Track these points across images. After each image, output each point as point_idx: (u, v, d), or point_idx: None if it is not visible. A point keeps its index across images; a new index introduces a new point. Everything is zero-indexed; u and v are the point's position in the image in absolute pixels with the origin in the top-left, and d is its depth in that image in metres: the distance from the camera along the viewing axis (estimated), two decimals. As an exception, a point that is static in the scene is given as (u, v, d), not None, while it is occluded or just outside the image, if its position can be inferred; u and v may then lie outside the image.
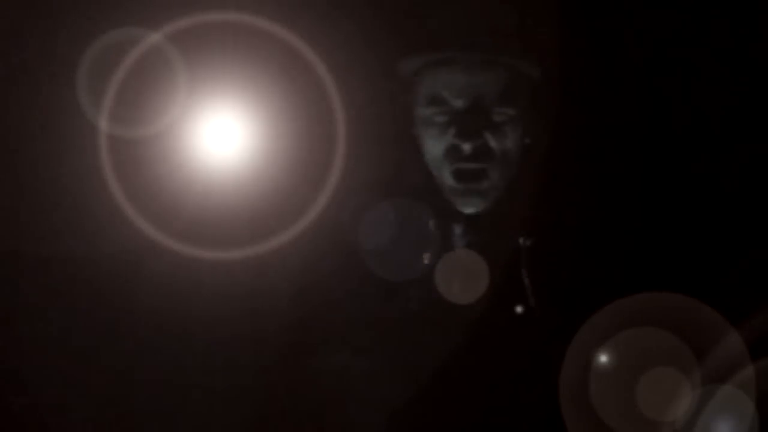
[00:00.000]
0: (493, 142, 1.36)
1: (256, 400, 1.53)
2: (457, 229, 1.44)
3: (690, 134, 1.58)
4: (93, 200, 1.53)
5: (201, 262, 1.50)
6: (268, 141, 1.51)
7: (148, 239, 1.51)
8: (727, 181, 1.57)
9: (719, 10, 1.56)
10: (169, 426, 1.53)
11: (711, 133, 1.58)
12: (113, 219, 1.52)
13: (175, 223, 1.51)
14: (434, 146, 1.39)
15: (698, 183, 1.57)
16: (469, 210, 1.43)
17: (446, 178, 1.40)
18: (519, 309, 1.47)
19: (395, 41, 1.42)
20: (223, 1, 1.50)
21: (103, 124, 1.52)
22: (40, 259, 1.56)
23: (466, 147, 1.34)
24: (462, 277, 1.46)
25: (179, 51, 1.51)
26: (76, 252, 1.55)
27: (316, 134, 1.50)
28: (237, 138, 1.52)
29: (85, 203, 1.55)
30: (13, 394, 1.56)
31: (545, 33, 1.38)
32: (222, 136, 1.52)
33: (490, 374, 1.47)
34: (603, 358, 1.39)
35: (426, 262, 1.44)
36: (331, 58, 1.49)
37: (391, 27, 1.43)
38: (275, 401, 1.52)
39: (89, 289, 1.56)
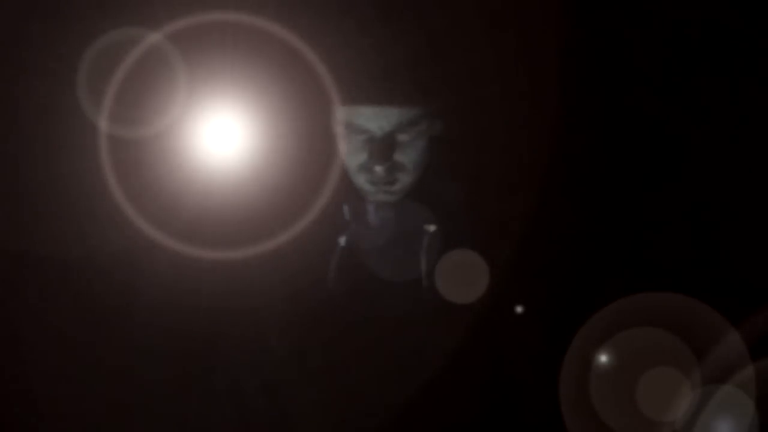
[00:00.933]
0: (402, 158, 1.45)
1: (256, 399, 1.53)
2: (371, 209, 1.51)
3: (690, 132, 1.58)
4: (93, 200, 1.53)
5: (201, 262, 1.50)
6: (268, 141, 1.51)
7: (148, 239, 1.51)
8: (726, 181, 1.57)
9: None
10: (169, 426, 1.53)
11: (711, 132, 1.58)
12: (113, 219, 1.52)
13: (175, 223, 1.51)
14: (350, 159, 1.47)
15: (699, 182, 1.57)
16: (380, 200, 1.50)
17: (360, 182, 1.48)
18: (519, 309, 1.47)
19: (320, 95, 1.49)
20: (223, 1, 1.51)
21: (103, 124, 1.52)
22: (40, 259, 1.56)
23: (378, 169, 1.44)
24: (462, 277, 1.46)
25: (179, 51, 1.51)
26: (76, 252, 1.55)
27: (316, 134, 1.50)
28: (237, 138, 1.52)
29: (85, 203, 1.55)
30: (13, 395, 1.56)
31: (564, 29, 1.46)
32: (222, 136, 1.52)
33: (489, 374, 1.47)
34: (603, 358, 1.39)
35: (427, 258, 1.47)
36: (331, 57, 1.49)
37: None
38: (275, 401, 1.52)
39: (89, 289, 1.56)
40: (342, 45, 1.45)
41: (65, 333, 1.56)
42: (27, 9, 1.58)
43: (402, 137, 1.44)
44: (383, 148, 1.43)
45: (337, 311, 1.49)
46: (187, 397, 1.53)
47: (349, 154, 1.47)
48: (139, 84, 1.52)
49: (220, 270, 1.50)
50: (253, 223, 1.50)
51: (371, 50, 1.44)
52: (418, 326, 1.48)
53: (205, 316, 1.52)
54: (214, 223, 1.50)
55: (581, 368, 1.39)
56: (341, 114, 1.46)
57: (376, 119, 1.43)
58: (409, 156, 1.45)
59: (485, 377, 1.48)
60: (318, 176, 1.50)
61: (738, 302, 1.40)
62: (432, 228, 1.50)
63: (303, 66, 1.48)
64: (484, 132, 1.50)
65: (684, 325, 1.37)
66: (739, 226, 1.55)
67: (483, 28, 1.50)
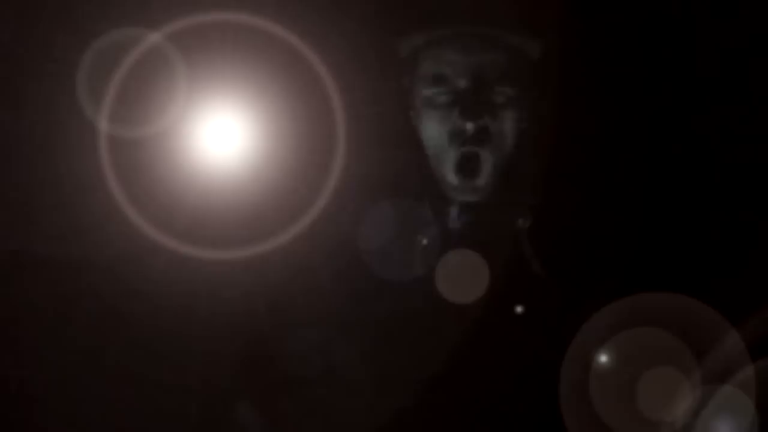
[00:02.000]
0: (491, 125, 1.34)
1: (257, 399, 1.53)
2: (453, 212, 1.44)
3: (695, 130, 1.58)
4: (93, 200, 1.53)
5: (201, 262, 1.50)
6: (268, 141, 1.51)
7: (147, 239, 1.51)
8: (728, 180, 1.57)
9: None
10: (168, 426, 1.53)
11: (716, 130, 1.58)
12: (113, 219, 1.52)
13: (175, 224, 1.51)
14: (436, 129, 1.36)
15: (700, 182, 1.57)
16: (464, 200, 1.42)
17: (447, 171, 1.39)
18: (519, 309, 1.47)
19: (394, 20, 1.39)
20: (223, 1, 1.51)
21: (103, 124, 1.52)
22: (40, 259, 1.56)
23: (470, 127, 1.32)
24: (462, 277, 1.46)
25: (179, 51, 1.51)
26: (76, 252, 1.55)
27: (316, 134, 1.50)
28: (237, 138, 1.52)
29: (85, 203, 1.55)
30: (13, 394, 1.56)
31: (546, 11, 1.37)
32: (222, 136, 1.52)
33: (490, 374, 1.47)
34: (603, 358, 1.39)
35: (425, 258, 1.45)
36: (332, 57, 1.49)
37: (389, 5, 1.40)
38: (275, 401, 1.52)
39: (89, 289, 1.56)
40: None
41: (65, 333, 1.56)
42: (27, 9, 1.58)
43: (494, 98, 1.30)
44: (475, 101, 1.29)
45: (342, 310, 1.49)
46: (187, 396, 1.53)
47: (435, 124, 1.34)
48: (139, 84, 1.52)
49: (220, 270, 1.50)
50: (253, 223, 1.50)
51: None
52: (419, 326, 1.48)
53: (204, 316, 1.52)
54: (213, 224, 1.50)
55: (581, 368, 1.39)
56: (423, 70, 1.33)
57: (466, 68, 1.29)
58: (498, 124, 1.31)
59: (485, 377, 1.48)
60: (318, 176, 1.50)
61: (738, 302, 1.40)
62: (527, 223, 1.39)
63: (303, 66, 1.48)
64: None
65: (684, 325, 1.37)
66: (739, 226, 1.55)
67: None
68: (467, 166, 1.36)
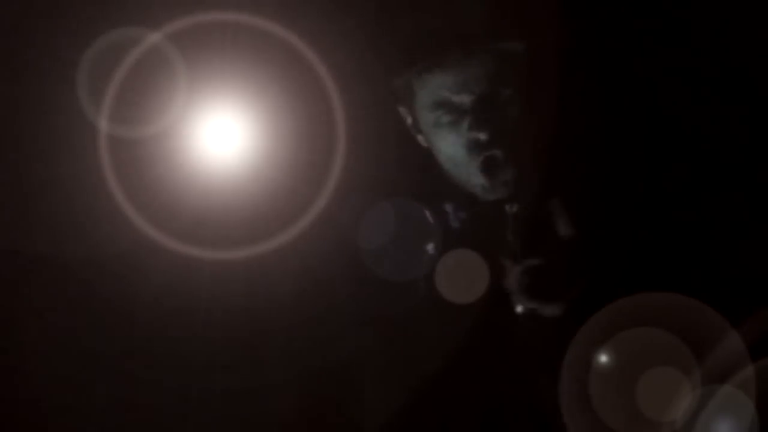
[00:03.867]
0: (501, 127, 1.38)
1: (256, 400, 1.53)
2: (449, 209, 1.46)
3: (693, 130, 1.58)
4: (93, 200, 1.53)
5: (201, 262, 1.50)
6: (268, 141, 1.51)
7: (147, 239, 1.51)
8: (726, 180, 1.56)
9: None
10: (168, 426, 1.53)
11: (715, 130, 1.58)
12: (113, 219, 1.52)
13: (175, 223, 1.51)
14: (451, 147, 1.41)
15: (699, 182, 1.57)
16: (496, 198, 1.44)
17: (473, 176, 1.41)
18: (519, 309, 1.47)
19: (382, 59, 1.45)
20: (223, 1, 1.50)
21: (103, 124, 1.52)
22: (40, 259, 1.56)
23: (483, 136, 1.37)
24: (462, 277, 1.46)
25: (179, 51, 1.51)
26: (76, 252, 1.55)
27: (316, 134, 1.50)
28: (237, 138, 1.52)
29: (85, 203, 1.55)
30: (13, 394, 1.56)
31: (523, 14, 1.41)
32: (222, 136, 1.52)
33: (490, 374, 1.47)
34: (603, 358, 1.39)
35: (428, 258, 1.46)
36: (332, 57, 1.49)
37: (376, 44, 1.46)
38: (275, 401, 1.52)
39: (89, 289, 1.56)
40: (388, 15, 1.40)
41: (65, 333, 1.56)
42: (27, 9, 1.58)
43: (496, 102, 1.37)
44: (480, 111, 1.35)
45: (342, 310, 1.49)
46: (187, 397, 1.53)
47: (448, 142, 1.40)
48: (139, 84, 1.52)
49: (220, 270, 1.50)
50: (253, 223, 1.50)
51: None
52: (420, 325, 1.48)
53: (205, 316, 1.52)
54: (214, 224, 1.50)
55: (581, 368, 1.39)
56: (423, 99, 1.39)
57: (462, 85, 1.35)
58: (506, 122, 1.37)
59: (485, 377, 1.47)
60: (318, 176, 1.50)
61: (738, 302, 1.40)
62: (515, 209, 1.43)
63: (303, 66, 1.48)
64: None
65: (684, 325, 1.37)
66: (739, 226, 1.54)
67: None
68: (493, 167, 1.39)
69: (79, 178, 1.54)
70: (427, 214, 1.48)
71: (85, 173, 1.53)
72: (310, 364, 1.50)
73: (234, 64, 1.51)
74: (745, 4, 1.58)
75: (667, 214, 1.55)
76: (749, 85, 1.58)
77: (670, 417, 1.36)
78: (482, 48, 1.37)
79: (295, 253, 1.49)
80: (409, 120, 1.46)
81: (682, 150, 1.59)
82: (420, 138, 1.46)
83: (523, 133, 1.41)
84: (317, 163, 1.49)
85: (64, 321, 1.56)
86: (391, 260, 1.48)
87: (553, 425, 1.40)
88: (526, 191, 1.45)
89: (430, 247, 1.48)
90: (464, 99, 1.37)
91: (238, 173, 1.51)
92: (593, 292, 1.44)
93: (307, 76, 1.49)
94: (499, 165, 1.39)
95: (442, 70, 1.37)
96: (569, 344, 1.40)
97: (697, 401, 1.35)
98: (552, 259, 1.45)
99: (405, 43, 1.41)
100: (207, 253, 1.50)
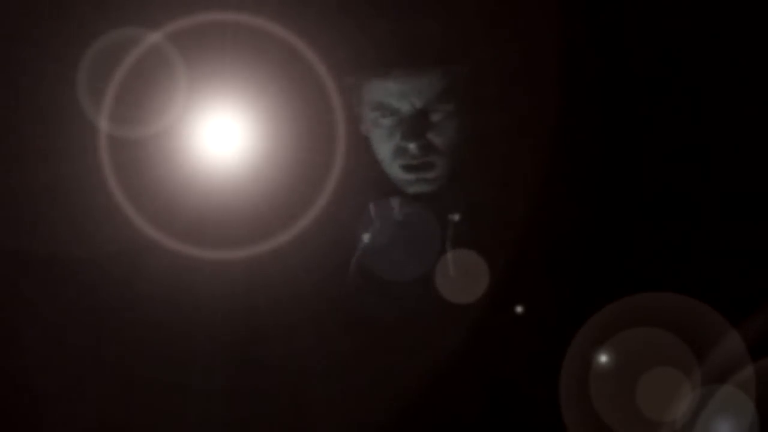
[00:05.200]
0: (435, 139, 1.45)
1: (256, 399, 1.53)
2: (394, 203, 1.50)
3: (690, 132, 1.58)
4: (93, 200, 1.53)
5: (201, 262, 1.50)
6: (268, 141, 1.51)
7: (147, 239, 1.51)
8: (726, 181, 1.57)
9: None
10: (169, 426, 1.53)
11: (713, 132, 1.58)
12: (113, 219, 1.52)
13: (175, 223, 1.51)
14: (383, 147, 1.48)
15: (699, 182, 1.57)
16: (417, 191, 1.49)
17: (396, 171, 1.48)
18: (519, 309, 1.47)
19: (340, 61, 1.51)
20: (223, 1, 1.51)
21: (103, 124, 1.52)
22: (40, 259, 1.56)
23: (412, 147, 1.44)
24: (462, 277, 1.46)
25: (179, 51, 1.51)
26: (76, 252, 1.55)
27: (316, 134, 1.50)
28: (237, 138, 1.52)
29: (85, 203, 1.55)
30: (13, 394, 1.56)
31: (470, 33, 1.48)
32: (222, 136, 1.52)
33: (490, 374, 1.47)
34: (603, 358, 1.39)
35: (427, 258, 1.47)
36: (332, 57, 1.49)
37: (334, 49, 1.51)
38: (275, 401, 1.52)
39: (89, 289, 1.56)
40: (360, 17, 1.46)
41: (65, 333, 1.56)
42: (27, 9, 1.58)
43: (433, 116, 1.44)
44: (415, 124, 1.43)
45: (342, 310, 1.49)
46: (187, 396, 1.53)
47: (381, 142, 1.47)
48: (139, 84, 1.52)
49: (220, 270, 1.50)
50: (253, 223, 1.50)
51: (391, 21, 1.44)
52: (420, 325, 1.48)
53: (205, 316, 1.52)
54: (214, 223, 1.50)
55: (581, 368, 1.39)
56: (368, 97, 1.46)
57: (405, 95, 1.43)
58: (442, 137, 1.45)
59: (485, 377, 1.48)
60: (318, 175, 1.50)
61: (738, 302, 1.40)
62: (456, 217, 1.50)
63: (303, 66, 1.48)
64: (502, 128, 1.50)
65: (684, 325, 1.37)
66: (739, 226, 1.54)
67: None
68: (414, 169, 1.46)
69: (79, 178, 1.54)
70: (427, 214, 1.49)
71: (85, 173, 1.53)
72: (309, 364, 1.50)
73: (234, 64, 1.51)
74: (744, 4, 1.58)
75: (667, 214, 1.55)
76: (749, 84, 1.58)
77: (670, 417, 1.36)
78: (431, 66, 1.44)
79: (295, 253, 1.49)
80: (356, 111, 1.51)
81: (682, 150, 1.59)
82: (362, 129, 1.51)
83: (461, 147, 1.47)
84: (317, 163, 1.50)
85: (64, 321, 1.56)
86: (391, 260, 1.48)
87: (553, 425, 1.40)
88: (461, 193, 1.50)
89: (430, 247, 1.48)
90: (405, 108, 1.44)
91: (238, 173, 1.51)
92: (593, 292, 1.44)
93: (307, 76, 1.49)
94: (420, 172, 1.46)
95: (391, 77, 1.44)
96: (569, 344, 1.40)
97: (697, 401, 1.35)
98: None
99: (360, 53, 1.47)
100: (207, 253, 1.50)
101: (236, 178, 1.51)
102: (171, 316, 1.52)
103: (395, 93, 1.43)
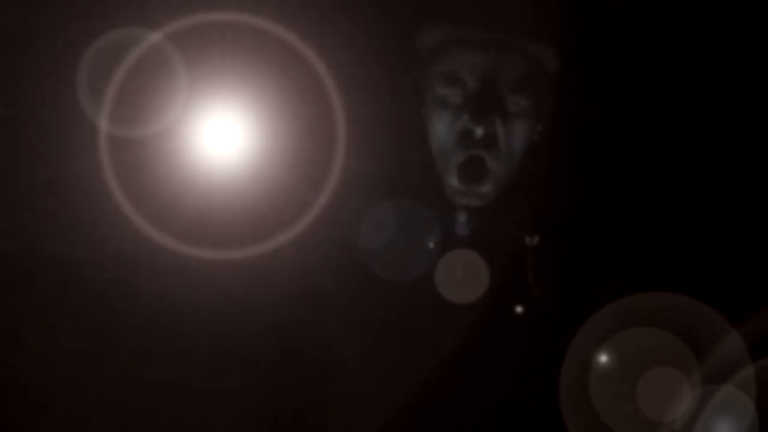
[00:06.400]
0: (501, 132, 1.32)
1: (257, 400, 1.53)
2: (461, 217, 1.42)
3: (696, 132, 1.58)
4: (93, 200, 1.53)
5: (201, 262, 1.50)
6: (268, 141, 1.51)
7: (147, 239, 1.51)
8: (726, 182, 1.57)
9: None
10: (169, 426, 1.53)
11: (718, 131, 1.58)
12: (113, 219, 1.52)
13: (175, 224, 1.51)
14: (445, 130, 1.34)
15: (699, 183, 1.57)
16: (467, 204, 1.42)
17: (449, 175, 1.38)
18: (519, 309, 1.47)
19: (413, 10, 1.36)
20: (223, 1, 1.51)
21: (103, 124, 1.52)
22: (40, 259, 1.56)
23: (479, 131, 1.30)
24: (462, 277, 1.46)
25: (179, 51, 1.51)
26: (76, 252, 1.55)
27: (316, 134, 1.50)
28: (237, 138, 1.52)
29: (85, 203, 1.55)
30: (13, 395, 1.56)
31: (566, 27, 1.35)
32: (222, 136, 1.52)
33: (490, 374, 1.47)
34: (603, 358, 1.39)
35: (429, 259, 1.45)
36: (332, 57, 1.49)
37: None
38: (275, 401, 1.52)
39: (89, 289, 1.56)
40: None
41: (65, 333, 1.56)
42: (27, 9, 1.58)
43: (507, 106, 1.28)
44: (486, 103, 1.25)
45: (344, 310, 1.49)
46: (187, 397, 1.53)
47: (444, 123, 1.32)
48: (139, 84, 1.52)
49: (220, 270, 1.50)
50: (253, 223, 1.50)
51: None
52: (420, 325, 1.48)
53: (205, 317, 1.52)
54: (214, 224, 1.50)
55: (581, 368, 1.39)
56: (439, 68, 1.30)
57: (482, 70, 1.25)
58: (508, 133, 1.29)
59: (485, 377, 1.48)
60: (319, 176, 1.50)
61: (738, 302, 1.40)
62: (535, 241, 1.38)
63: (303, 66, 1.48)
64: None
65: (684, 325, 1.37)
66: (739, 227, 1.55)
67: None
68: (472, 171, 1.35)
69: (79, 178, 1.54)
70: (427, 214, 1.48)
71: (85, 173, 1.53)
72: (309, 364, 1.50)
73: (234, 64, 1.51)
74: (745, 5, 1.58)
75: (667, 214, 1.55)
76: (749, 84, 1.58)
77: (670, 417, 1.36)
78: (518, 44, 1.28)
79: (295, 253, 1.49)
80: (416, 87, 1.37)
81: (683, 151, 1.59)
82: (422, 112, 1.38)
83: (526, 151, 1.35)
84: (317, 163, 1.49)
85: (64, 321, 1.56)
86: (391, 260, 1.48)
87: (553, 425, 1.40)
88: (504, 212, 1.40)
89: (430, 247, 1.48)
90: (477, 85, 1.30)
91: (238, 173, 1.51)
92: (593, 291, 1.44)
93: (307, 76, 1.49)
94: (479, 171, 1.34)
95: (469, 46, 1.28)
96: (569, 344, 1.40)
97: (697, 401, 1.35)
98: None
99: (438, 6, 1.29)
100: (207, 253, 1.50)
101: (236, 178, 1.51)
102: (171, 316, 1.52)
103: (471, 65, 1.27)
